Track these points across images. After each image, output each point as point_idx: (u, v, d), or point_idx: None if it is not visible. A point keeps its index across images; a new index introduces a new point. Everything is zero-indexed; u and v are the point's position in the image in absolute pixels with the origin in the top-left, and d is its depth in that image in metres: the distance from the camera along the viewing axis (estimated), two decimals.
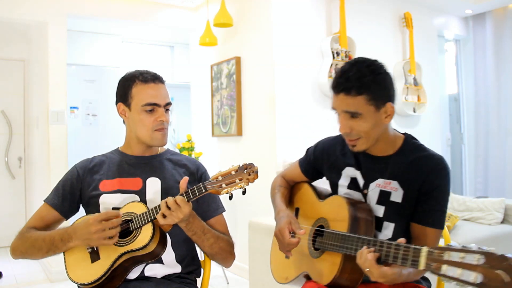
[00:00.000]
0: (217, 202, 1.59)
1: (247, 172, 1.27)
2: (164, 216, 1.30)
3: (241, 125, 3.57)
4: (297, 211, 1.64)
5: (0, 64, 4.81)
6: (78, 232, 1.34)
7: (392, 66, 3.97)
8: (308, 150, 1.68)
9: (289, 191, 1.71)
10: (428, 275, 1.56)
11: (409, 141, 1.42)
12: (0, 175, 4.80)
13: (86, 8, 3.78)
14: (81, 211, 1.56)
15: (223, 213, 1.61)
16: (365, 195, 1.42)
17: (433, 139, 4.31)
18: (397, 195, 1.35)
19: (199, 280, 1.58)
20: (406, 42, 4.04)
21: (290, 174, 1.73)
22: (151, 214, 1.34)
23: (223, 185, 1.29)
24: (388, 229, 1.38)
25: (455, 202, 3.54)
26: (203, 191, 1.30)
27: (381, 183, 1.38)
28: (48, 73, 3.61)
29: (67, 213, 1.51)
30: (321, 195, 1.56)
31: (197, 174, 1.57)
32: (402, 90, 3.91)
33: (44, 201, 1.52)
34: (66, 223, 1.52)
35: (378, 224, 1.39)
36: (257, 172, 1.28)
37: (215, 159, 3.93)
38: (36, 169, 4.40)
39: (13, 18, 3.57)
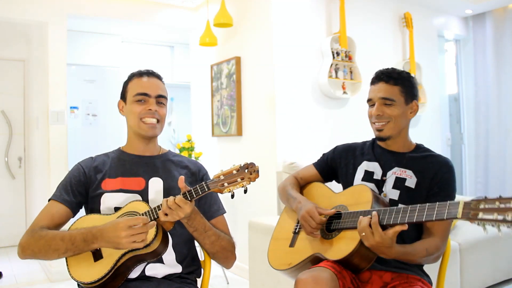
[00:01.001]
0: (218, 203, 1.60)
1: (249, 171, 1.30)
2: (165, 214, 1.32)
3: (241, 125, 3.57)
4: None
5: (0, 64, 4.81)
6: (105, 234, 1.29)
7: (392, 66, 3.96)
8: (324, 153, 1.84)
9: (299, 189, 1.80)
10: (430, 271, 1.57)
11: (421, 146, 1.67)
12: (0, 175, 4.80)
13: (86, 8, 3.78)
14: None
15: (224, 215, 1.61)
16: (383, 182, 1.58)
17: (433, 139, 4.31)
18: (411, 182, 1.55)
19: (199, 280, 1.58)
20: (406, 42, 4.04)
21: (303, 174, 1.84)
22: (153, 213, 1.35)
23: (225, 184, 1.31)
24: None
25: None
26: (206, 190, 1.32)
27: (397, 171, 1.58)
28: (48, 73, 3.61)
29: (76, 210, 1.50)
30: (334, 191, 1.66)
31: (199, 175, 1.59)
32: None
33: (52, 199, 1.48)
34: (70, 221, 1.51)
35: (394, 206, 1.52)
36: (258, 171, 1.31)
37: (215, 159, 3.93)
38: (36, 169, 4.41)
39: (13, 18, 3.57)
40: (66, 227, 1.47)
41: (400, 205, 1.50)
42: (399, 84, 1.58)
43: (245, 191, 1.32)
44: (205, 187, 1.32)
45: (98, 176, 1.50)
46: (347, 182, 1.68)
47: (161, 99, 1.54)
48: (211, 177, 1.37)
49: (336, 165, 1.76)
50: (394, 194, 1.55)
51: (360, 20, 3.72)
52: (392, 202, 1.54)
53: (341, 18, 3.44)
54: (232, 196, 1.32)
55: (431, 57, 4.35)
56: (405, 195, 1.53)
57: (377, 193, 1.54)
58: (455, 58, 4.99)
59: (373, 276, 1.48)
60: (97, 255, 1.37)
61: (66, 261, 1.40)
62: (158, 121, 1.53)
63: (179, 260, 1.47)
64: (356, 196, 1.51)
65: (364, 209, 1.40)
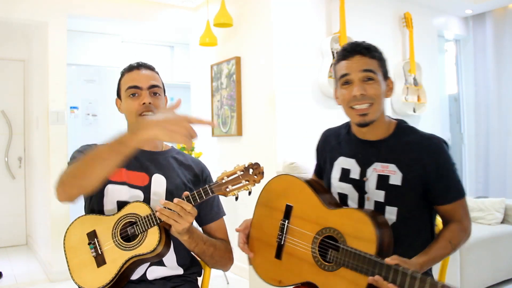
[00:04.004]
0: (219, 205, 1.57)
1: (253, 173, 1.26)
2: (175, 220, 1.26)
3: (241, 125, 3.57)
4: (289, 208, 1.44)
5: (0, 64, 4.81)
6: (142, 121, 1.21)
7: (392, 66, 3.96)
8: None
9: None
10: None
11: (402, 125, 1.46)
12: (0, 175, 4.80)
13: (86, 8, 3.78)
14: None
15: (224, 216, 1.59)
16: (363, 182, 1.40)
17: None
18: (396, 178, 1.35)
19: (199, 279, 1.58)
20: (406, 42, 4.04)
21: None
22: (157, 218, 1.30)
23: (230, 187, 1.27)
24: (392, 213, 1.35)
25: None
26: (210, 193, 1.28)
27: (378, 167, 1.38)
28: (48, 73, 3.61)
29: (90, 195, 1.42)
30: (325, 200, 1.38)
31: (202, 177, 1.54)
32: (402, 90, 3.91)
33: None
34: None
35: (381, 209, 1.37)
36: (263, 172, 1.27)
37: (215, 159, 3.93)
38: (36, 169, 4.40)
39: (13, 18, 3.57)
40: (72, 218, 1.44)
41: (388, 207, 1.35)
42: (376, 58, 1.39)
43: (250, 193, 1.28)
44: (209, 191, 1.27)
45: None
46: (326, 180, 1.53)
47: (154, 89, 1.49)
48: (214, 178, 1.32)
49: (322, 161, 1.59)
50: (379, 196, 1.37)
51: (360, 20, 3.72)
52: (378, 205, 1.37)
53: (341, 18, 3.44)
54: (236, 199, 1.29)
55: (431, 57, 4.35)
56: (391, 195, 1.35)
57: (378, 226, 1.22)
58: (455, 58, 4.99)
59: None
60: (100, 261, 1.34)
61: (69, 267, 1.38)
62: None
63: (180, 263, 1.45)
64: (355, 225, 1.24)
65: (369, 254, 1.17)
